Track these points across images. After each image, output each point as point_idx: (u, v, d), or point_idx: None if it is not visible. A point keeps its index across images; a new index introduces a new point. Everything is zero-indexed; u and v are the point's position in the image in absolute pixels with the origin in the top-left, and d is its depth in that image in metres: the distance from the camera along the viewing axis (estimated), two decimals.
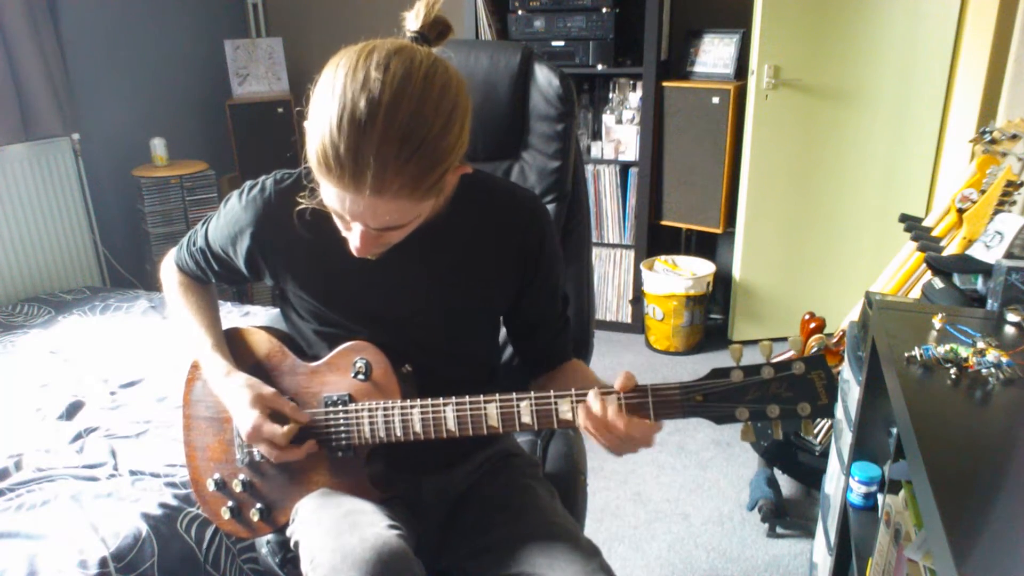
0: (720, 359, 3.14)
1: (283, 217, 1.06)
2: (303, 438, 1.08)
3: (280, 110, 3.51)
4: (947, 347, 1.10)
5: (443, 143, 0.85)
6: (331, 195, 0.88)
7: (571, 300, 1.41)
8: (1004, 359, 1.07)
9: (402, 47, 0.86)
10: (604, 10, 3.00)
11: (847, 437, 1.54)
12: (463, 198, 1.08)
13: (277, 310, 1.25)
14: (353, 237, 0.93)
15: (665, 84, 3.09)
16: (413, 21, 0.93)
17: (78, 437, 1.77)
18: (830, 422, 2.09)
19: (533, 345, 1.20)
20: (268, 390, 1.08)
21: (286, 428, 1.05)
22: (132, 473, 1.62)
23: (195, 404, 1.20)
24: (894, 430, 1.40)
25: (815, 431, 2.17)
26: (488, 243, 1.09)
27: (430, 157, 0.84)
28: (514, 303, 1.14)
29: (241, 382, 1.09)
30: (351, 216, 0.89)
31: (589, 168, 3.21)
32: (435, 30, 0.93)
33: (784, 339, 2.89)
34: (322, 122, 0.83)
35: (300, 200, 1.00)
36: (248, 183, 1.09)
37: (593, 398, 0.94)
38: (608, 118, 3.19)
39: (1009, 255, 1.45)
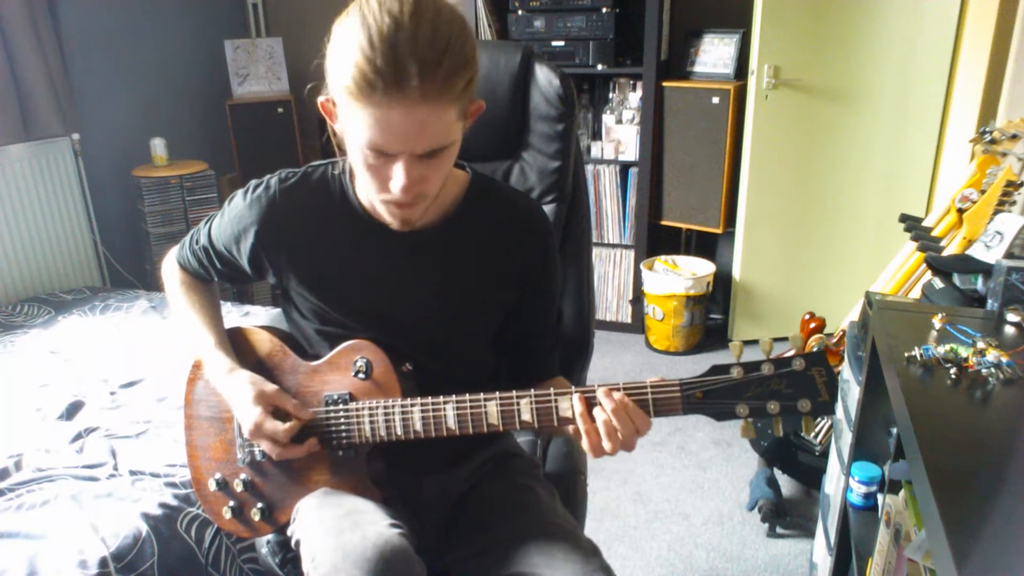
0: (720, 359, 3.13)
1: (287, 216, 1.06)
2: (305, 436, 1.08)
3: (280, 110, 3.51)
4: (947, 347, 1.10)
5: (466, 45, 0.89)
6: (370, 125, 0.87)
7: (571, 300, 1.42)
8: (1004, 359, 1.07)
9: None
10: (604, 10, 3.00)
11: (847, 437, 1.54)
12: (469, 203, 1.08)
13: (277, 310, 1.26)
14: (396, 177, 0.92)
15: (665, 84, 3.09)
16: None
17: (78, 437, 1.77)
18: (830, 422, 2.09)
19: (521, 357, 1.20)
20: (271, 387, 1.09)
21: (288, 425, 1.05)
22: (132, 473, 1.62)
23: (196, 404, 1.20)
24: (894, 430, 1.40)
25: (815, 431, 2.17)
26: (491, 251, 1.10)
27: (458, 55, 0.87)
28: (510, 313, 1.15)
29: (244, 379, 1.09)
30: (398, 141, 0.88)
31: (589, 168, 3.21)
32: None
33: (784, 339, 2.89)
34: (350, 52, 0.86)
35: (306, 196, 1.00)
36: (253, 182, 1.09)
37: (604, 396, 0.94)
38: (608, 118, 3.19)
39: (1009, 255, 1.45)
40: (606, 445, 0.94)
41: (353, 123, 0.89)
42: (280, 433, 1.05)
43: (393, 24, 0.84)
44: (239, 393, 1.08)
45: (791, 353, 0.92)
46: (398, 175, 0.91)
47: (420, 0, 0.87)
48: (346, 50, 0.86)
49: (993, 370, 1.06)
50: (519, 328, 1.17)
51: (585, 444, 0.96)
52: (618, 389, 0.94)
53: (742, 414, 0.92)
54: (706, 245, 3.40)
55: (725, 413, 0.92)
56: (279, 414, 1.07)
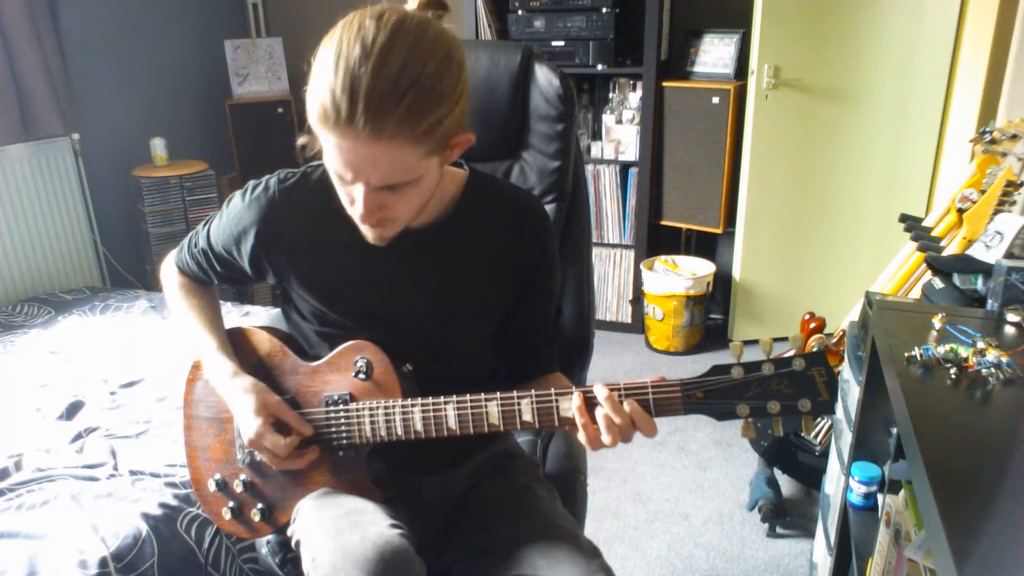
0: (720, 359, 3.14)
1: (287, 216, 1.06)
2: (305, 444, 1.09)
3: (280, 110, 3.52)
4: (947, 347, 1.10)
5: (440, 84, 0.86)
6: (331, 150, 0.88)
7: (571, 300, 1.42)
8: (1004, 359, 1.07)
9: (397, 7, 0.89)
10: (604, 10, 3.00)
11: (847, 437, 1.54)
12: (468, 201, 1.08)
13: (277, 310, 1.26)
14: (357, 202, 0.92)
15: (665, 84, 3.09)
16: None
17: (78, 437, 1.77)
18: (830, 422, 2.09)
19: (521, 352, 1.20)
20: (274, 398, 1.08)
21: (287, 440, 1.05)
22: (132, 473, 1.62)
23: (196, 404, 1.20)
24: (894, 430, 1.40)
25: (815, 431, 2.17)
26: (490, 248, 1.10)
27: (426, 96, 0.85)
28: (510, 309, 1.15)
29: (247, 386, 1.09)
30: (352, 170, 0.88)
31: (589, 168, 3.21)
32: (430, 9, 0.95)
33: (784, 339, 2.89)
34: (320, 74, 0.85)
35: (305, 196, 1.00)
36: (252, 182, 1.09)
37: (600, 387, 0.95)
38: (608, 118, 3.19)
39: (1009, 255, 1.45)
40: (605, 439, 0.95)
41: (321, 142, 0.90)
42: (280, 448, 1.05)
43: (361, 55, 0.83)
44: (242, 400, 1.08)
45: (791, 352, 0.92)
46: (357, 201, 0.92)
47: (401, 28, 0.85)
48: (318, 72, 0.86)
49: (993, 370, 1.06)
50: (518, 326, 1.17)
51: (582, 437, 0.96)
52: (618, 389, 0.94)
53: (743, 414, 0.92)
54: (706, 245, 3.40)
55: (726, 413, 0.92)
56: (280, 426, 1.07)
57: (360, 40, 0.84)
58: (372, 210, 0.92)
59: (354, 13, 0.88)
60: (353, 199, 0.93)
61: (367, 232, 0.99)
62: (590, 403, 0.95)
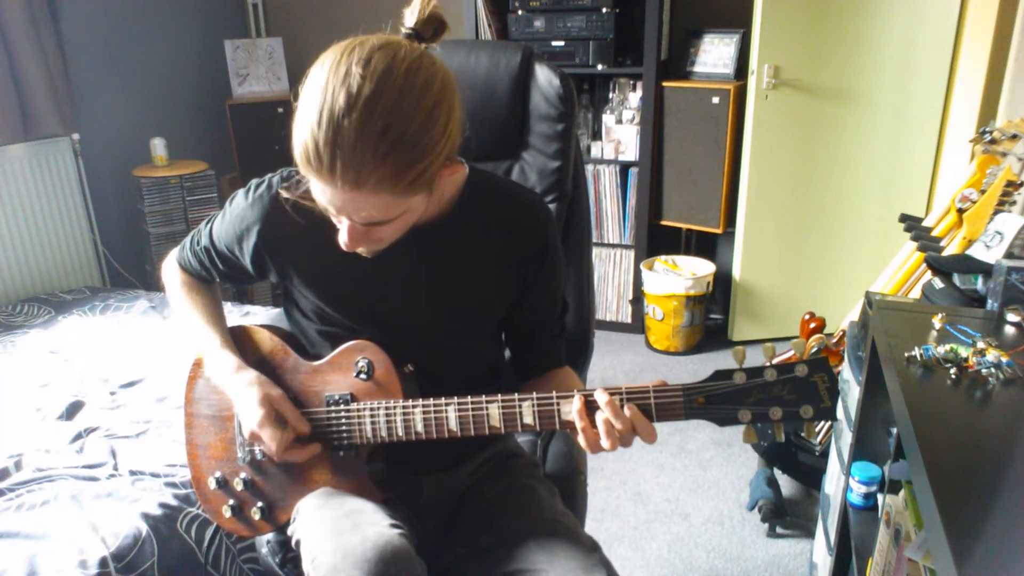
0: (720, 359, 3.15)
1: (289, 215, 1.06)
2: (307, 440, 1.09)
3: (280, 110, 3.52)
4: (947, 347, 1.11)
5: (425, 138, 0.85)
6: (316, 188, 0.89)
7: (571, 300, 1.42)
8: (1004, 359, 1.07)
9: (387, 42, 0.87)
10: (604, 10, 3.00)
11: (847, 437, 1.54)
12: (468, 199, 1.08)
13: (277, 310, 1.26)
14: (341, 231, 0.94)
15: (665, 84, 3.09)
16: (409, 17, 0.94)
17: (78, 437, 1.77)
18: (830, 422, 2.09)
19: (528, 348, 1.20)
20: (276, 391, 1.09)
21: (283, 435, 1.06)
22: (132, 473, 1.62)
23: (197, 402, 1.20)
24: (894, 430, 1.40)
25: (816, 431, 2.17)
26: (491, 246, 1.10)
27: (410, 152, 0.85)
28: (514, 306, 1.15)
29: (251, 379, 1.09)
30: (335, 209, 0.91)
31: (589, 168, 3.21)
32: (430, 27, 0.94)
33: (784, 339, 2.90)
34: (305, 117, 0.85)
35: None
36: (254, 181, 1.10)
37: (601, 392, 0.95)
38: (608, 118, 3.19)
39: (1009, 255, 1.45)
40: (604, 443, 0.95)
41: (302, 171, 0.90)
42: (277, 442, 1.05)
43: (345, 107, 0.81)
44: (245, 392, 1.08)
45: (790, 354, 0.93)
46: (342, 232, 0.93)
47: (388, 78, 0.83)
48: (303, 111, 0.85)
49: (993, 370, 1.06)
50: (524, 322, 1.17)
51: (582, 440, 0.96)
52: (620, 393, 0.94)
53: (744, 420, 0.91)
54: (706, 245, 3.40)
55: (727, 419, 0.92)
56: (281, 420, 1.07)
57: (345, 89, 0.82)
58: (356, 239, 0.94)
59: (343, 49, 0.86)
60: (340, 222, 0.94)
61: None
62: (591, 407, 0.95)
